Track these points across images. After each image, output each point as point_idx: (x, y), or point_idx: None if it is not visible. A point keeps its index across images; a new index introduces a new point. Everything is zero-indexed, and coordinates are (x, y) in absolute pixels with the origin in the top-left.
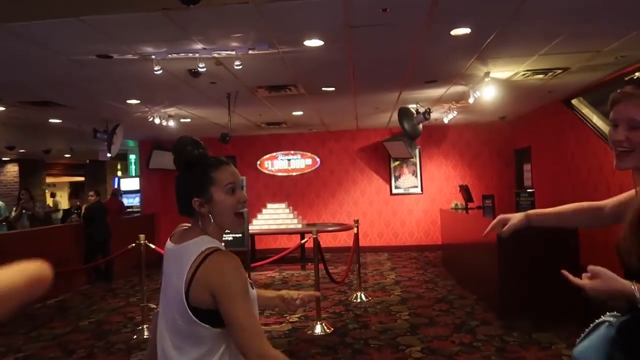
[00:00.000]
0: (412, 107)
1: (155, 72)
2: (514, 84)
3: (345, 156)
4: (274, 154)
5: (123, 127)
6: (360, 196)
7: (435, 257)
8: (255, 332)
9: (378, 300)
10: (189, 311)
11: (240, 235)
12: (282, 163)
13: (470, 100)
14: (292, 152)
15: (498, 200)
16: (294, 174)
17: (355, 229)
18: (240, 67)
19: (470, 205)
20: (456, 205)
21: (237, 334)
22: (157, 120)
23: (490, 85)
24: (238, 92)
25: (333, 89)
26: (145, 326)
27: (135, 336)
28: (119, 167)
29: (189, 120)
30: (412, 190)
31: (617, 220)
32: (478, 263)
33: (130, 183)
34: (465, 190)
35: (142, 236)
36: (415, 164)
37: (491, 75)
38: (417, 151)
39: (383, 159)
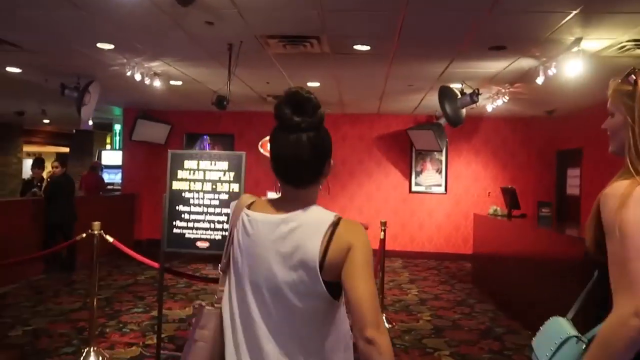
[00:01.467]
0: (455, 87)
1: None
2: (603, 61)
3: (361, 144)
4: None
5: (99, 86)
6: (374, 191)
7: (459, 270)
8: (377, 305)
9: (404, 328)
10: (322, 286)
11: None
12: None
13: (540, 80)
14: None
15: (534, 209)
16: None
17: (382, 233)
18: None
19: (514, 212)
20: (495, 211)
21: (363, 303)
22: (137, 76)
23: (578, 58)
24: (243, 43)
25: (368, 48)
26: (92, 348)
27: None
28: (108, 139)
29: (179, 83)
30: (434, 189)
31: None
32: (538, 287)
33: (113, 157)
34: (510, 195)
35: (96, 224)
36: (440, 160)
37: (583, 43)
38: (445, 144)
39: (404, 150)
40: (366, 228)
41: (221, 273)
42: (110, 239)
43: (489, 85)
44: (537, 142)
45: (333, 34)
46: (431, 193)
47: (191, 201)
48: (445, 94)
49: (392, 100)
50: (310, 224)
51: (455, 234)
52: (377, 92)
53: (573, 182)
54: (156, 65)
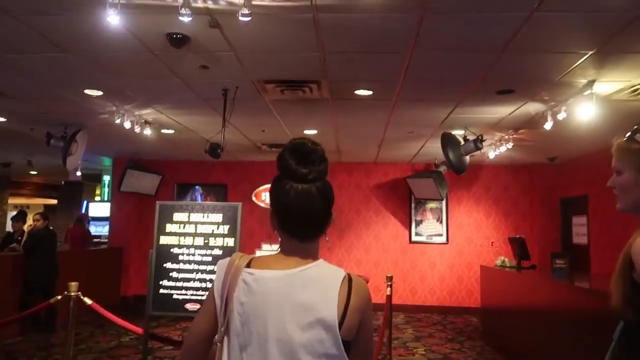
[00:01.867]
0: (457, 133)
1: (109, 21)
2: (615, 105)
3: (358, 193)
4: None
5: (87, 135)
6: (373, 241)
7: (466, 325)
8: None
9: None
10: (341, 345)
11: None
12: None
13: (548, 125)
14: None
15: (540, 259)
16: None
17: (389, 289)
18: (248, 18)
19: (524, 263)
20: (503, 262)
21: None
22: (127, 125)
23: (589, 102)
24: (239, 88)
25: (369, 93)
26: None
27: None
28: (97, 191)
29: (171, 131)
30: (435, 239)
31: None
32: (555, 344)
33: (101, 208)
34: (519, 245)
35: (73, 285)
36: (440, 209)
37: (595, 86)
38: (446, 192)
39: (402, 199)
40: (367, 281)
41: (218, 345)
42: (88, 301)
43: (492, 131)
44: (540, 190)
45: (334, 79)
46: (432, 243)
47: (180, 257)
48: (448, 140)
49: (391, 148)
50: (327, 279)
51: (459, 286)
52: (376, 139)
53: (579, 231)
54: (147, 113)
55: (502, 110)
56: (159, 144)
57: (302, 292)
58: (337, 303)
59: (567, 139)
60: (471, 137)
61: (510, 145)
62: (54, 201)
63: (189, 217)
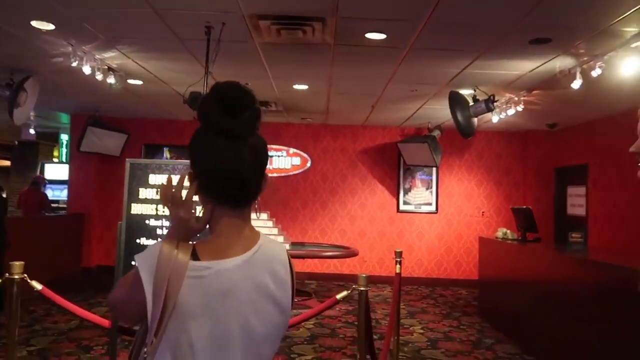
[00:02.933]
0: (465, 93)
1: None
2: None
3: (344, 158)
4: None
5: (39, 83)
6: (358, 210)
7: (456, 299)
8: None
9: None
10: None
11: None
12: None
13: (577, 85)
14: (276, 146)
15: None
16: (276, 174)
17: (398, 266)
18: None
19: (529, 235)
20: (505, 234)
21: None
22: (86, 70)
23: (634, 55)
24: (225, 25)
25: (382, 37)
26: None
27: None
28: (55, 152)
29: (140, 83)
30: (424, 208)
31: None
32: (568, 325)
33: (59, 171)
34: (525, 216)
35: (16, 265)
36: (430, 176)
37: None
38: (440, 159)
39: (391, 165)
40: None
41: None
42: (38, 285)
43: (503, 92)
44: (534, 158)
45: (344, 15)
46: (421, 212)
47: (159, 232)
48: (457, 100)
49: (385, 109)
50: (277, 260)
51: (447, 258)
52: (372, 98)
53: (575, 202)
54: (111, 57)
55: (525, 66)
56: (124, 99)
57: (262, 279)
58: (290, 286)
59: (580, 103)
60: (482, 97)
61: (520, 108)
62: (7, 162)
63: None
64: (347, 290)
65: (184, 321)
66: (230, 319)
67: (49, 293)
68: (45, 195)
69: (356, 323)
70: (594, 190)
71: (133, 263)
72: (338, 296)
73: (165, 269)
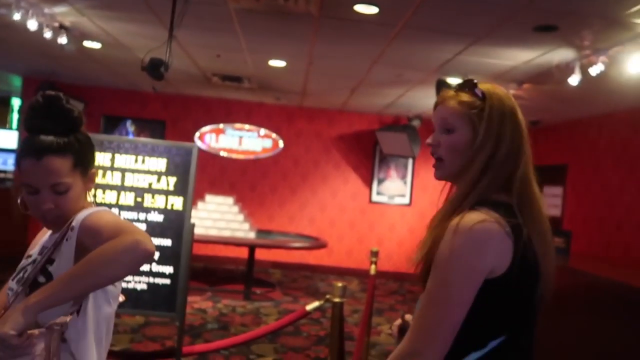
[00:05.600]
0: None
1: None
2: None
3: (318, 143)
4: (221, 125)
5: None
6: (329, 198)
7: None
8: None
9: None
10: None
11: None
12: (230, 140)
13: (574, 80)
14: (248, 127)
15: None
16: (244, 156)
17: (373, 266)
18: None
19: None
20: None
21: None
22: (31, 25)
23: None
24: None
25: (374, 11)
26: None
27: None
28: (6, 117)
29: (98, 46)
30: (397, 200)
31: None
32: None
33: (7, 138)
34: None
35: None
36: (406, 166)
37: None
38: (419, 150)
39: (367, 153)
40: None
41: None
42: None
43: (492, 83)
44: None
45: None
46: (394, 204)
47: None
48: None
49: (365, 94)
50: None
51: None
52: (354, 81)
53: (551, 202)
54: (62, 12)
55: (522, 56)
56: (81, 64)
57: None
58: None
59: (570, 100)
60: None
61: None
62: None
63: (112, 159)
64: (316, 287)
65: None
66: None
67: None
68: None
69: (321, 320)
70: (572, 191)
71: None
72: (308, 307)
73: None
